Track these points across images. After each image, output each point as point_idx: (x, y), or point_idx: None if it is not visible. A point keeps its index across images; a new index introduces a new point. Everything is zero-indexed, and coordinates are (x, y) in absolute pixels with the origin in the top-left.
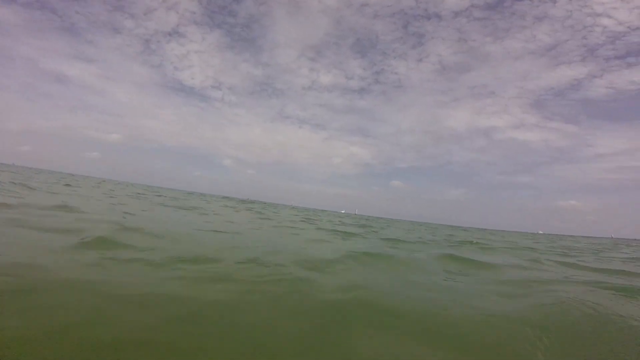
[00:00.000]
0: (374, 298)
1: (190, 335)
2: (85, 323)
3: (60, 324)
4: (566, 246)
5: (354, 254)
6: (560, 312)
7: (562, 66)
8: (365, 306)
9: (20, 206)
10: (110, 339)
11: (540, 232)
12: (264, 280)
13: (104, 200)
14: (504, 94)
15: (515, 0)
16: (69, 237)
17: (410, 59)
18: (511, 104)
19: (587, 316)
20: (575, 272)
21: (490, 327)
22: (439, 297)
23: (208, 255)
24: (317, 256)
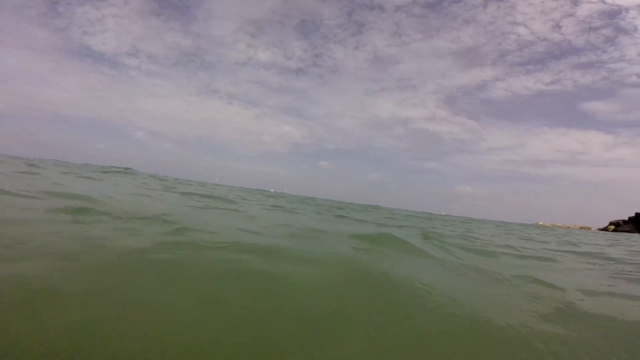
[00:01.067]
0: None
1: None
2: None
3: None
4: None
5: None
6: None
7: (475, 68)
8: None
9: None
10: None
11: (443, 213)
12: None
13: None
14: (423, 89)
15: (452, 2)
16: None
17: (348, 45)
18: (428, 98)
19: None
20: None
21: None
22: None
23: None
24: None
